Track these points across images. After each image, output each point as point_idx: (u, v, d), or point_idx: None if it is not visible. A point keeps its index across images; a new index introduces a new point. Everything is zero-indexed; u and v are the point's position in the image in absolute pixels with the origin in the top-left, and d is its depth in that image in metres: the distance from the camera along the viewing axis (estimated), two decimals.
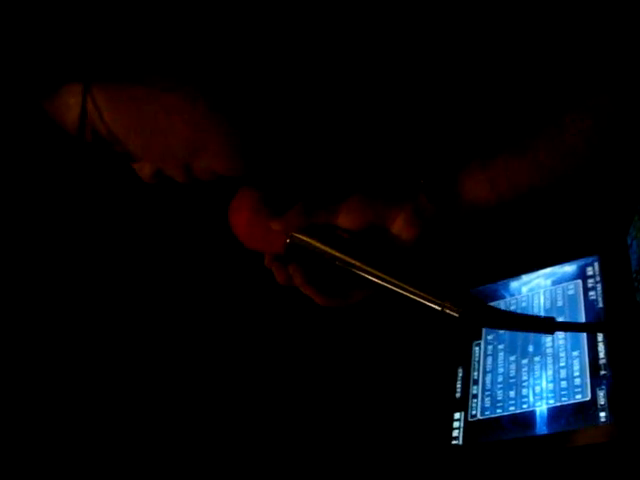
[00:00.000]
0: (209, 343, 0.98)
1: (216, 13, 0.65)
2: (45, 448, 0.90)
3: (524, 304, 0.91)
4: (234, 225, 0.70)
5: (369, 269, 0.65)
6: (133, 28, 0.64)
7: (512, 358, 0.86)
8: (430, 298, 0.63)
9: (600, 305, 0.84)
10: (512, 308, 0.91)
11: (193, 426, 0.94)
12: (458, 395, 0.87)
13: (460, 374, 0.89)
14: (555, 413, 0.78)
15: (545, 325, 0.62)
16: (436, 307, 0.62)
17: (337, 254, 0.66)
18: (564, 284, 0.89)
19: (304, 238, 0.67)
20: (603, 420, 0.74)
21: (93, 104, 0.66)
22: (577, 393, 0.78)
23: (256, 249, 0.70)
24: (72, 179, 0.88)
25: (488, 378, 0.87)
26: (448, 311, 0.62)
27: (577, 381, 0.79)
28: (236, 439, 0.93)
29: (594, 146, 0.63)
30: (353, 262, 0.65)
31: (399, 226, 0.65)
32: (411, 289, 0.63)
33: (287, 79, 0.71)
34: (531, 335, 0.86)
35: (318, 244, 0.67)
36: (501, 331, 0.89)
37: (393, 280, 0.64)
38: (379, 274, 0.65)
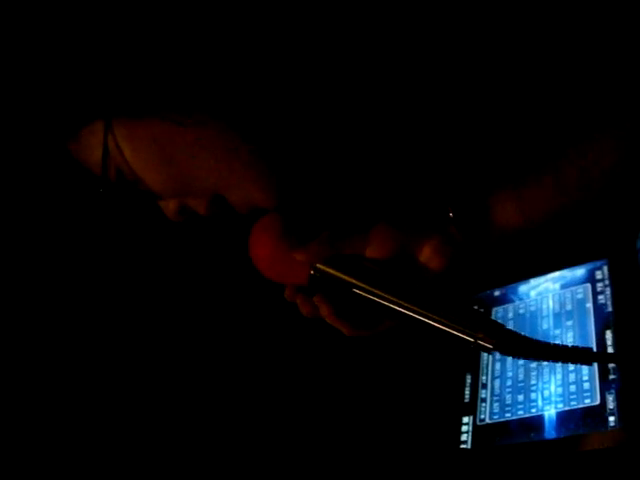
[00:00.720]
0: (220, 345, 0.98)
1: (236, 47, 0.64)
2: (45, 448, 0.91)
3: (533, 308, 0.91)
4: (255, 255, 0.68)
5: (398, 301, 0.63)
6: (154, 64, 0.63)
7: (521, 362, 0.86)
8: (462, 330, 0.61)
9: (609, 309, 0.83)
10: (521, 312, 0.91)
11: (195, 426, 0.94)
12: (467, 399, 0.87)
13: (469, 378, 0.89)
14: (564, 417, 0.78)
15: (583, 356, 0.60)
16: (469, 339, 0.61)
17: (364, 286, 0.63)
18: (573, 288, 0.89)
19: (329, 270, 0.64)
20: (612, 425, 0.74)
21: (114, 143, 0.65)
22: (586, 397, 0.78)
23: (277, 281, 0.67)
24: (97, 218, 0.88)
25: (497, 382, 0.86)
26: (481, 342, 0.61)
27: (586, 385, 0.79)
28: (242, 441, 0.93)
29: (623, 168, 0.62)
30: (381, 294, 0.63)
31: (427, 255, 0.64)
32: (442, 321, 0.61)
33: (312, 107, 0.69)
34: (540, 339, 0.86)
35: (344, 276, 0.64)
36: None
37: (423, 312, 0.62)
38: (409, 306, 0.62)
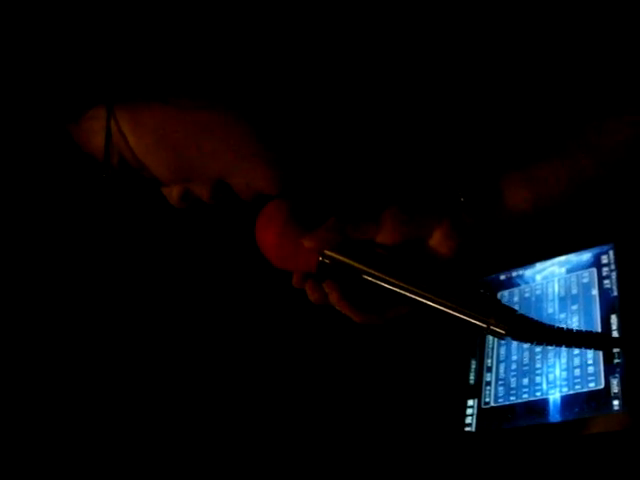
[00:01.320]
0: (222, 336, 0.99)
1: (241, 32, 0.64)
2: (45, 448, 0.91)
3: (538, 292, 0.91)
4: (261, 241, 0.67)
5: (409, 287, 0.62)
6: (159, 49, 0.63)
7: (526, 346, 0.86)
8: (474, 315, 0.61)
9: (615, 294, 0.84)
10: (526, 296, 0.91)
11: (194, 426, 0.94)
12: (472, 382, 0.88)
13: (474, 362, 0.90)
14: (568, 401, 0.78)
15: (595, 341, 0.60)
16: (481, 324, 0.61)
17: (374, 272, 0.63)
18: (579, 272, 0.89)
19: (338, 256, 0.64)
20: (616, 408, 0.74)
21: (117, 128, 0.65)
22: (590, 381, 0.78)
23: (285, 268, 0.67)
24: (98, 204, 0.88)
25: (502, 366, 0.87)
26: (494, 328, 0.61)
27: (590, 369, 0.79)
28: (246, 438, 0.93)
29: (634, 154, 0.62)
30: (392, 280, 0.63)
31: (437, 240, 0.63)
32: (453, 306, 0.61)
33: (318, 92, 0.69)
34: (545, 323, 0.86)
35: (354, 262, 0.63)
36: None
37: (434, 298, 0.62)
38: (420, 292, 0.62)
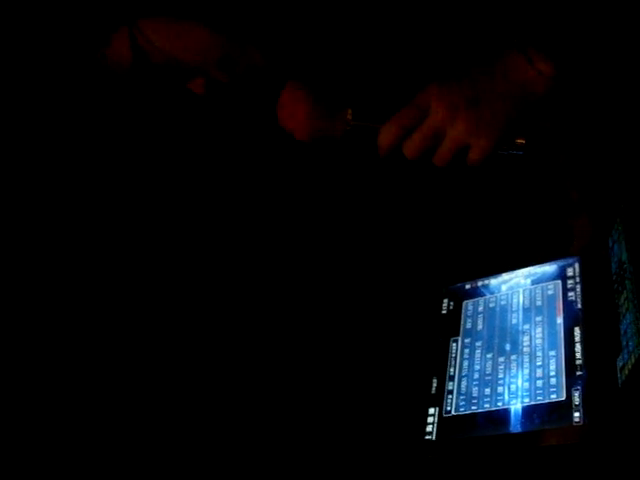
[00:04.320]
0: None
1: None
2: (45, 448, 0.89)
3: (503, 302, 0.91)
4: (290, 116, 0.74)
5: None
6: None
7: (489, 356, 0.86)
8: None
9: (579, 306, 0.84)
10: (491, 306, 0.91)
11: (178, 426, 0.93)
12: (433, 391, 0.87)
13: (436, 370, 0.89)
14: (530, 412, 0.78)
15: None
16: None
17: None
18: (544, 284, 0.89)
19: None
20: (577, 420, 0.74)
21: (141, 35, 0.77)
22: (552, 393, 0.78)
23: (309, 141, 0.74)
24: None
25: (464, 374, 0.86)
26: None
27: (553, 381, 0.79)
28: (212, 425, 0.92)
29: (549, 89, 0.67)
30: None
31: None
32: None
33: None
34: (509, 334, 0.87)
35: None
36: (479, 327, 0.89)
37: None
38: None
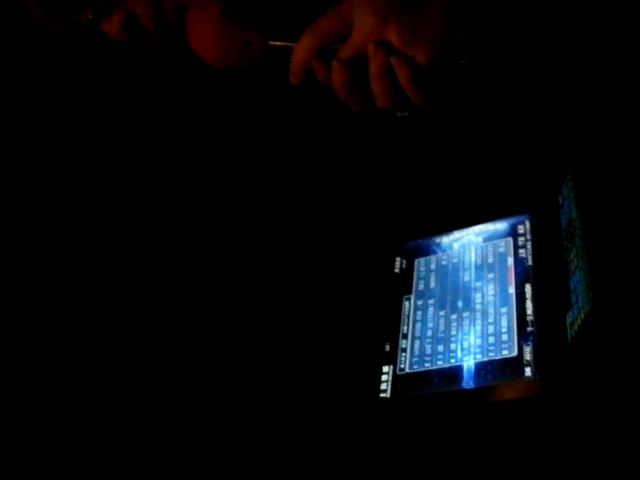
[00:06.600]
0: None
1: None
2: (45, 448, 0.87)
3: (455, 260, 0.91)
4: (198, 36, 0.65)
5: None
6: None
7: (442, 313, 0.87)
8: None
9: (529, 263, 0.85)
10: (443, 264, 0.92)
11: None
12: (387, 349, 0.88)
13: (389, 328, 0.90)
14: (482, 368, 0.79)
15: None
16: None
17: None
18: (495, 241, 0.90)
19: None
20: (528, 375, 0.76)
21: None
22: (504, 349, 0.79)
23: (227, 67, 0.65)
24: None
25: (417, 332, 0.87)
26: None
27: (504, 337, 0.80)
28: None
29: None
30: None
31: None
32: None
33: None
34: (461, 291, 0.87)
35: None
36: (432, 285, 0.90)
37: None
38: None
